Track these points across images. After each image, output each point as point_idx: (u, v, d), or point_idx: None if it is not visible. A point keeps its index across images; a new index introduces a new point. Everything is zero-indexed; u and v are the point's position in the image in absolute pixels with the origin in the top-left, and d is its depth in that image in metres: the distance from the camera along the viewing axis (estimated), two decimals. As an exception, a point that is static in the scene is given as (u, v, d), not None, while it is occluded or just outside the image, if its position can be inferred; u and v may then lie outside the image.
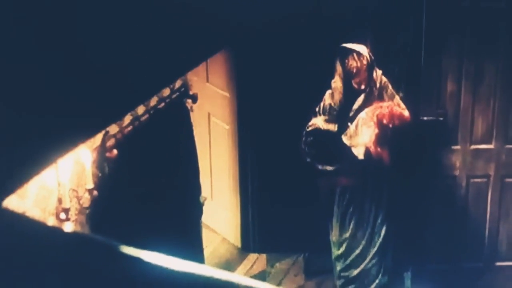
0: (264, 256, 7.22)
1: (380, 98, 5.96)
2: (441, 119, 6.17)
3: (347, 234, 6.21)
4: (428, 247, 6.49)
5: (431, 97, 6.18)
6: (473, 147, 6.27)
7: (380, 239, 6.14)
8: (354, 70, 5.91)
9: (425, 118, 6.14)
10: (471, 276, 6.53)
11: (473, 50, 6.05)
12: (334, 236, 6.31)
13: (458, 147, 6.26)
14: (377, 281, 6.22)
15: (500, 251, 6.53)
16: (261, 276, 6.94)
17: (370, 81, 5.93)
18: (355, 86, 5.96)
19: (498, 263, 6.55)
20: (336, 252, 6.32)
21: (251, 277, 6.88)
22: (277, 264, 7.10)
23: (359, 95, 5.96)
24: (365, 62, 5.87)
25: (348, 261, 6.26)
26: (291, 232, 6.97)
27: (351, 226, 6.18)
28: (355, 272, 6.25)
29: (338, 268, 6.32)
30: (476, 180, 6.37)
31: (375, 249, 6.16)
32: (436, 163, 6.30)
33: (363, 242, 6.18)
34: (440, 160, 6.31)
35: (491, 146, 6.27)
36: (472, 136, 6.25)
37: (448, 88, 6.14)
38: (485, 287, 6.59)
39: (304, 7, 6.20)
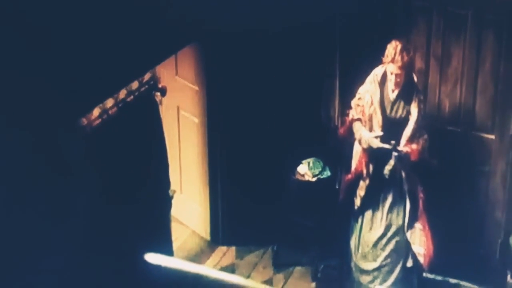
0: (233, 248, 7.25)
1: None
2: None
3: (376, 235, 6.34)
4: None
5: None
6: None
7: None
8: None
9: None
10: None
11: (440, 31, 6.25)
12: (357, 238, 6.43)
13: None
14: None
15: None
16: (230, 268, 6.97)
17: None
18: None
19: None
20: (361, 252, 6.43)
21: (220, 269, 6.91)
22: (246, 257, 7.14)
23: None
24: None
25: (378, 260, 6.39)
26: (260, 225, 7.01)
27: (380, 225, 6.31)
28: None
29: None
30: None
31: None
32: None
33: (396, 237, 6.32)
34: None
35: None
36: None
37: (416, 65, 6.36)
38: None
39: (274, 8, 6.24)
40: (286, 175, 6.80)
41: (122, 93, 5.60)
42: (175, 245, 6.81)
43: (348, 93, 6.41)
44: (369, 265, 6.39)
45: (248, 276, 6.88)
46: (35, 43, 4.38)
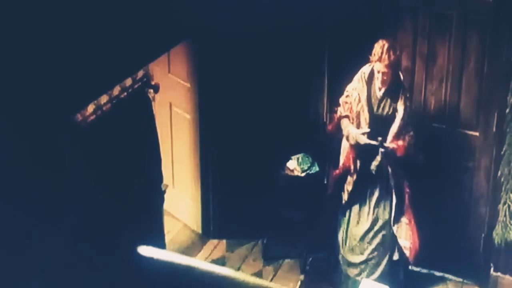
0: (223, 242, 7.32)
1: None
2: None
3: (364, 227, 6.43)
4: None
5: None
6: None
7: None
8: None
9: None
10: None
11: (426, 30, 6.33)
12: (345, 232, 6.52)
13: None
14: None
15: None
16: (221, 261, 7.05)
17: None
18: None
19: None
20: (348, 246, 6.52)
21: (211, 262, 6.97)
22: (236, 250, 7.21)
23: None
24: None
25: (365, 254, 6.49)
26: (250, 219, 7.07)
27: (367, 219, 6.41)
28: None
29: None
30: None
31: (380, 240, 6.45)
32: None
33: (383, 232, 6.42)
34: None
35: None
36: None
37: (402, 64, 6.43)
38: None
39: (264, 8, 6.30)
40: (275, 170, 6.87)
41: (116, 90, 5.66)
42: (167, 238, 6.87)
43: (336, 90, 6.50)
44: (356, 258, 6.48)
45: (238, 269, 6.93)
46: (31, 40, 4.46)
